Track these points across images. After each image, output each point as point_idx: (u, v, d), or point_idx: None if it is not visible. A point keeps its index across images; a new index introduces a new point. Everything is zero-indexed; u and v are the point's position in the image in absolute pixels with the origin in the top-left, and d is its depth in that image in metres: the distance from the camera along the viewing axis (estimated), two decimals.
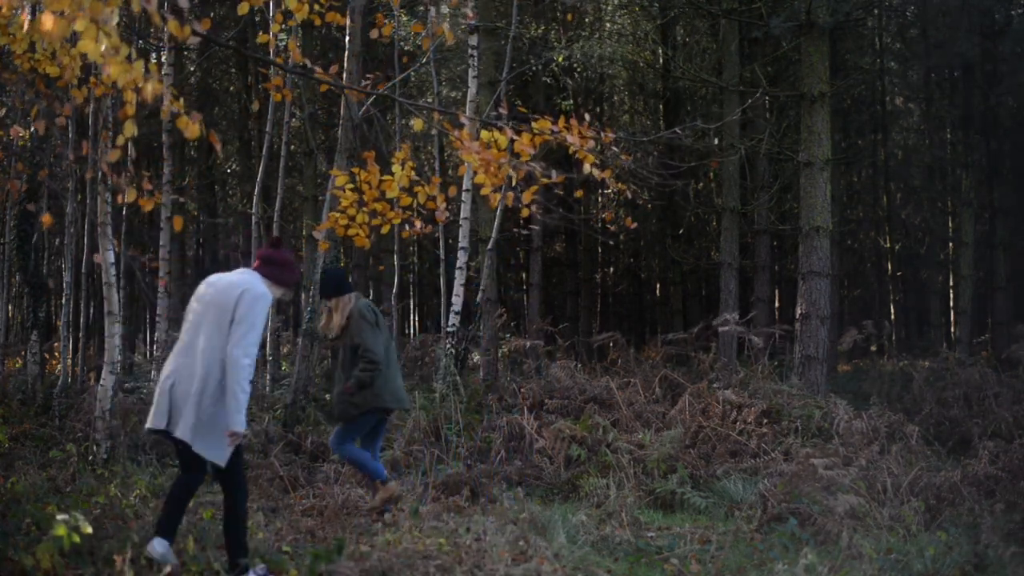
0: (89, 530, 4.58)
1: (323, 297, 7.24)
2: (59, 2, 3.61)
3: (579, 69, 17.72)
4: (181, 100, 4.31)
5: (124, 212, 15.21)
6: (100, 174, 9.35)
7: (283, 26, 6.94)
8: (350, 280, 7.41)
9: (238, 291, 5.25)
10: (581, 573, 5.78)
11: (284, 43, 12.48)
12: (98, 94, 6.06)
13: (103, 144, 9.64)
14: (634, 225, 6.90)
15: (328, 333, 7.34)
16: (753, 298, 17.07)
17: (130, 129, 4.14)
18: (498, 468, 8.77)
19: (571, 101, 18.69)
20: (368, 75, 7.69)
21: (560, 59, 15.38)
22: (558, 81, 18.63)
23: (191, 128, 4.29)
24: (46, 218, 5.29)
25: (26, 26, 4.08)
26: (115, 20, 3.86)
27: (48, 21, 3.67)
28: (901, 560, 6.07)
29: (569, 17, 15.85)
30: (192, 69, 19.22)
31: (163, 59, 15.04)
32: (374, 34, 6.26)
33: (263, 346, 12.54)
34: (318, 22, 6.15)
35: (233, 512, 5.32)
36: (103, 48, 3.79)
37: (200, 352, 5.20)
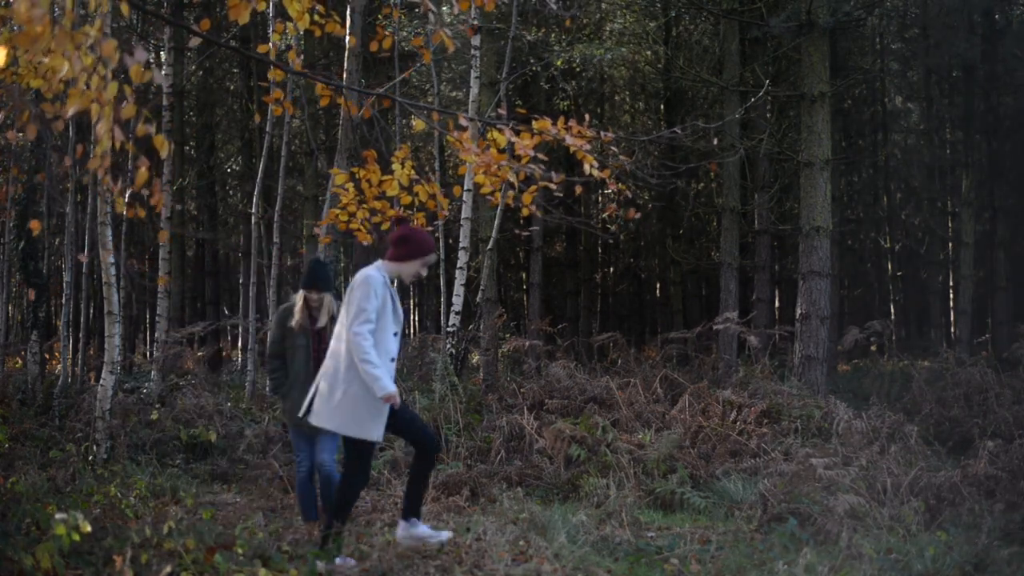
0: (88, 529, 4.57)
1: (318, 290, 6.55)
2: (31, 28, 3.61)
3: (579, 69, 17.71)
4: (152, 125, 4.29)
5: (124, 213, 15.20)
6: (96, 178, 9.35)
7: (283, 35, 6.96)
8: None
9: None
10: (581, 573, 5.78)
11: (285, 45, 12.49)
12: (82, 107, 6.04)
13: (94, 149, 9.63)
14: (637, 215, 6.86)
15: (304, 326, 6.60)
16: (753, 298, 17.06)
17: (105, 142, 4.15)
18: (498, 468, 8.78)
19: (569, 101, 18.68)
20: (374, 90, 7.69)
21: (560, 63, 15.37)
22: (558, 83, 18.63)
23: (164, 147, 4.32)
24: (34, 224, 5.29)
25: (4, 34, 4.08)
26: (89, 42, 3.84)
27: (22, 44, 3.68)
28: (901, 560, 6.07)
29: (567, 22, 15.86)
30: (193, 68, 19.22)
31: (163, 59, 15.06)
32: (374, 47, 6.26)
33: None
34: (318, 33, 6.16)
35: (338, 487, 5.82)
36: (65, 71, 3.78)
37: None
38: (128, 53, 3.93)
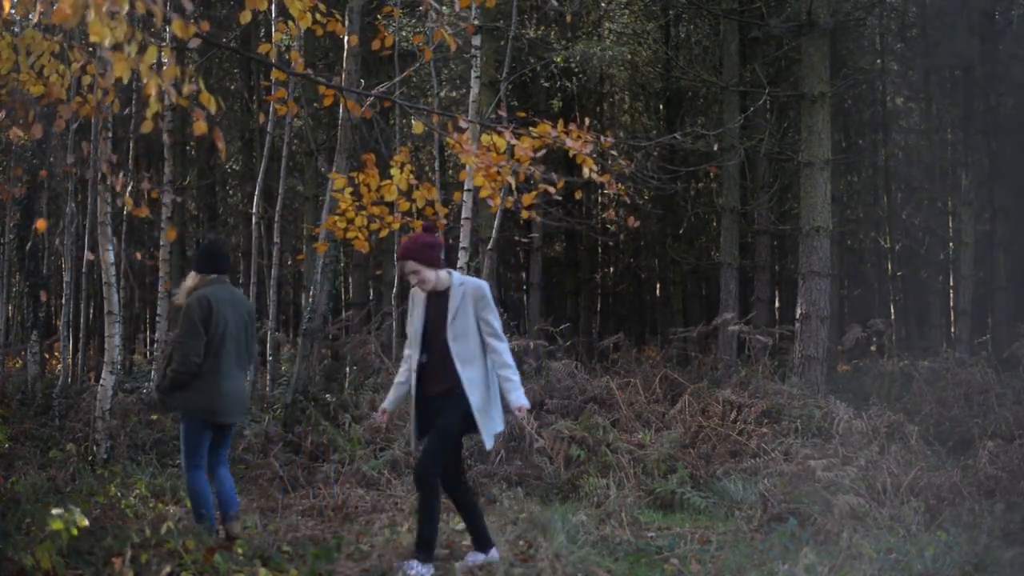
0: (85, 522, 4.57)
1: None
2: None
3: (577, 70, 17.71)
4: (201, 82, 4.32)
5: (124, 212, 15.23)
6: (100, 174, 9.36)
7: (286, 35, 6.96)
8: (214, 258, 6.46)
9: None
10: (581, 573, 5.78)
11: (286, 46, 12.49)
12: (83, 114, 6.05)
13: (103, 145, 9.65)
14: (637, 223, 6.86)
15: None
16: (753, 298, 17.06)
17: (155, 105, 4.17)
18: (498, 468, 8.78)
19: (561, 103, 18.67)
20: (374, 87, 7.69)
21: (560, 60, 15.36)
22: (557, 82, 18.63)
23: (212, 103, 4.33)
24: (40, 223, 5.30)
25: (37, 18, 4.10)
26: (125, 9, 3.87)
27: (67, 8, 3.69)
28: (901, 560, 6.07)
29: (569, 19, 15.86)
30: (193, 69, 19.22)
31: (163, 59, 15.02)
32: (375, 45, 6.26)
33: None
34: (320, 32, 6.16)
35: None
36: (108, 40, 3.80)
37: None
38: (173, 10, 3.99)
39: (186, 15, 4.09)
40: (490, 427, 5.65)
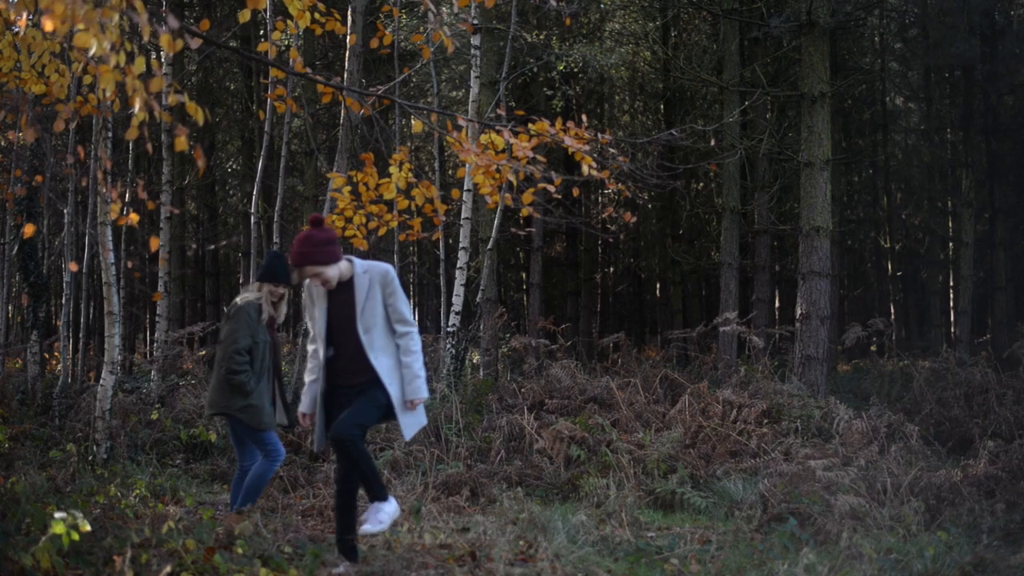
0: (88, 528, 4.57)
1: (286, 284, 6.74)
2: (58, 7, 3.62)
3: (577, 71, 17.71)
4: (185, 94, 4.31)
5: (124, 213, 15.22)
6: (98, 175, 9.35)
7: (284, 33, 6.96)
8: (266, 266, 6.71)
9: None
10: (581, 573, 5.78)
11: (286, 45, 12.48)
12: (84, 113, 6.03)
13: (102, 147, 9.65)
14: (634, 219, 6.85)
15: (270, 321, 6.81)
16: (753, 298, 17.07)
17: (141, 115, 4.14)
18: (498, 468, 8.78)
19: (562, 103, 18.68)
20: (374, 87, 7.69)
21: (561, 67, 15.37)
22: (557, 84, 18.63)
23: (198, 113, 4.31)
24: (28, 228, 5.28)
25: (23, 26, 4.09)
26: (115, 21, 3.86)
27: (49, 23, 3.69)
28: (901, 560, 6.07)
29: (567, 21, 15.88)
30: (193, 69, 19.22)
31: (163, 59, 15.08)
32: (375, 43, 6.27)
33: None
34: (319, 31, 6.16)
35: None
36: (94, 49, 3.79)
37: None
38: (160, 23, 3.97)
39: (173, 31, 4.06)
40: (411, 419, 5.46)
